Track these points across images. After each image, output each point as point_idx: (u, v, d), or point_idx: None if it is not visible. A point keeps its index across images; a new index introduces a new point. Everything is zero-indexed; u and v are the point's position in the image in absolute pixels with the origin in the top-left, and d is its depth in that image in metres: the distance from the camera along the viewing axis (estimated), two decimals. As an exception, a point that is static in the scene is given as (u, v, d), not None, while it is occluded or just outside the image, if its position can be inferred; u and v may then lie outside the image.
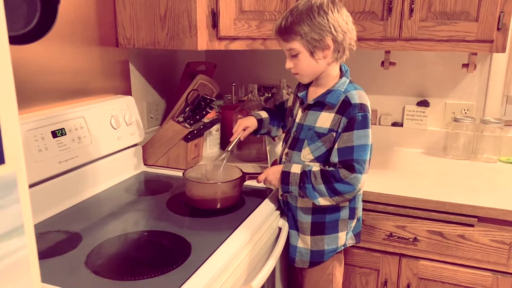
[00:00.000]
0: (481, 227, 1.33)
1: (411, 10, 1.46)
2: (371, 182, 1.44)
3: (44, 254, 1.01)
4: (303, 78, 1.25)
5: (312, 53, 1.17)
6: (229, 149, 1.38)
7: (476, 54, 1.59)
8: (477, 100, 1.81)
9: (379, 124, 1.96)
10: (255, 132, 1.43)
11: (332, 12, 1.14)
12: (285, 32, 1.17)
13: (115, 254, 1.04)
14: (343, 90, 1.20)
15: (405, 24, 1.48)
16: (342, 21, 1.15)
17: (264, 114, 1.45)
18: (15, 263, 0.38)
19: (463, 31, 1.43)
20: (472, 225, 1.33)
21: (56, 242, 1.08)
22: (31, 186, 1.17)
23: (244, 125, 1.40)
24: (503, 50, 1.43)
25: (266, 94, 2.09)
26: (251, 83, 1.77)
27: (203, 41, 1.47)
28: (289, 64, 1.22)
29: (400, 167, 1.67)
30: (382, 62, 1.71)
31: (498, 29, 1.40)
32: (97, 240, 1.08)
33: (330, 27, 1.14)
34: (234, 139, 1.38)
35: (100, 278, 0.92)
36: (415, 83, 1.88)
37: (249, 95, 1.74)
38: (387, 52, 1.68)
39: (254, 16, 1.54)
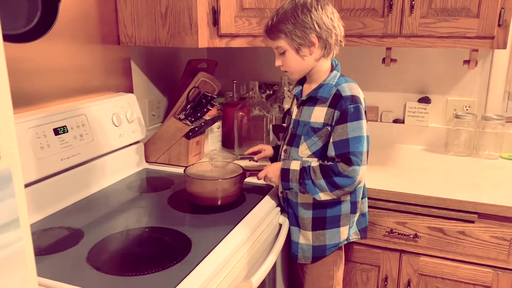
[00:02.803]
0: (481, 224, 1.33)
1: (412, 7, 1.46)
2: (372, 178, 1.45)
3: (46, 250, 1.02)
4: (293, 75, 1.27)
5: (297, 51, 1.20)
6: (238, 154, 1.40)
7: (477, 50, 1.59)
8: (479, 97, 1.81)
9: (381, 121, 1.96)
10: (273, 158, 1.50)
11: (315, 10, 1.16)
12: (271, 31, 1.21)
13: (116, 250, 1.06)
14: (334, 83, 1.22)
15: (406, 21, 1.48)
16: (326, 18, 1.17)
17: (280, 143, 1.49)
18: (11, 255, 0.39)
19: (464, 28, 1.43)
20: (472, 222, 1.34)
21: (58, 238, 1.09)
22: (33, 183, 1.18)
23: (261, 147, 1.49)
24: (504, 47, 1.43)
25: (268, 92, 2.09)
26: (252, 80, 1.78)
27: (204, 39, 1.48)
28: (277, 62, 1.25)
29: (401, 164, 1.67)
30: (383, 59, 1.71)
31: (499, 25, 1.40)
32: (99, 236, 1.09)
33: (313, 25, 1.16)
34: (249, 152, 1.46)
35: (101, 273, 0.93)
36: (416, 79, 1.88)
37: (250, 93, 1.75)
38: (388, 48, 1.68)
39: (255, 14, 1.54)
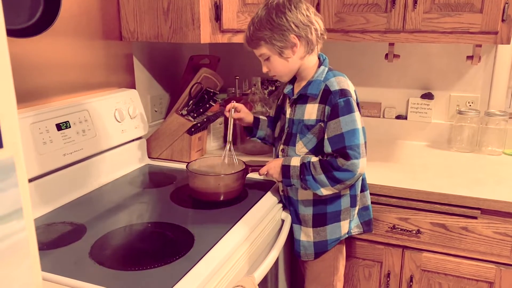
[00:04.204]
0: (484, 219, 1.33)
1: (415, 2, 1.45)
2: (374, 174, 1.45)
3: (49, 245, 1.02)
4: (282, 78, 1.27)
5: (280, 54, 1.19)
6: (230, 139, 1.39)
7: (480, 46, 1.58)
8: (482, 93, 1.80)
9: (383, 117, 1.96)
10: (251, 131, 1.44)
11: (289, 10, 1.15)
12: (251, 40, 1.22)
13: (119, 245, 1.06)
14: (322, 79, 1.22)
15: (409, 16, 1.47)
16: (301, 16, 1.16)
17: (262, 117, 1.47)
18: (14, 245, 0.39)
19: (467, 23, 1.42)
20: (475, 217, 1.33)
21: (61, 234, 1.09)
22: (35, 178, 1.18)
23: (233, 105, 1.38)
24: (508, 42, 1.42)
25: (270, 87, 2.09)
26: (254, 76, 1.78)
27: (206, 34, 1.47)
28: (264, 69, 1.26)
29: (404, 160, 1.67)
30: (386, 55, 1.70)
31: (502, 20, 1.39)
32: (101, 232, 1.09)
33: (290, 26, 1.15)
34: (229, 128, 1.38)
35: (104, 268, 0.93)
36: (419, 75, 1.88)
37: (253, 88, 1.75)
38: (391, 44, 1.68)
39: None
